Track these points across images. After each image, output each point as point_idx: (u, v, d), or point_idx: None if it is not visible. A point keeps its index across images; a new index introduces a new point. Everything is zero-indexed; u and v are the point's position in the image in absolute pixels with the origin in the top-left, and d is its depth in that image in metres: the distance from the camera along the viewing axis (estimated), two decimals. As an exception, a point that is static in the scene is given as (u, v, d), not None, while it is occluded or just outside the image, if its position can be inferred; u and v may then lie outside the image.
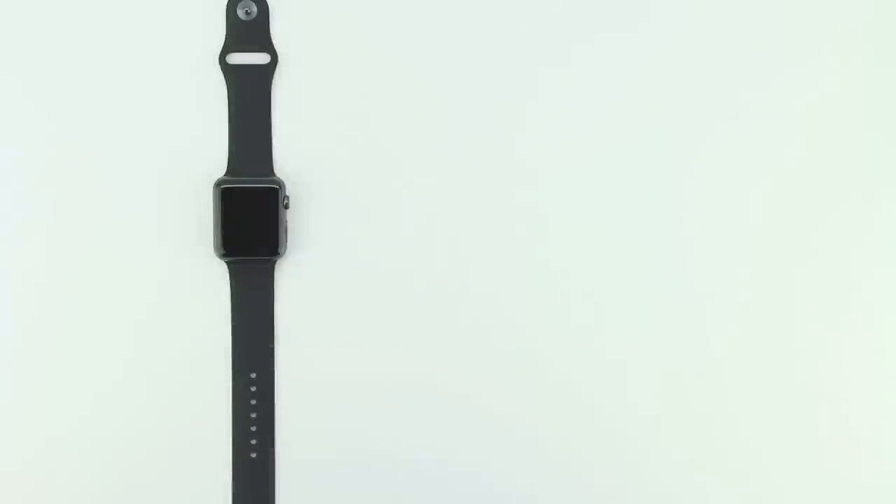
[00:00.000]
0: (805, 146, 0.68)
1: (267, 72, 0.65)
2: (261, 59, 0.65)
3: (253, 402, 0.66)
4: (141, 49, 0.65)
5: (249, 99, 0.65)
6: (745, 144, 0.68)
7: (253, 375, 0.66)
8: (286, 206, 0.64)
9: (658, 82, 0.67)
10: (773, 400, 0.68)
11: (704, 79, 0.67)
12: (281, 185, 0.64)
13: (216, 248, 0.64)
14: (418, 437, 0.67)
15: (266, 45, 0.65)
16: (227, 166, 0.65)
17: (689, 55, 0.67)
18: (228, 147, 0.65)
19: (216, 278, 0.65)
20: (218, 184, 0.64)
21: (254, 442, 0.66)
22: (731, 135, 0.68)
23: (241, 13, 0.65)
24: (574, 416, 0.67)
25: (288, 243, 0.65)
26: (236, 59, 0.65)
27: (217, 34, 0.65)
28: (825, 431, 0.68)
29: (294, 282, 0.66)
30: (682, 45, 0.67)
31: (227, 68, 0.65)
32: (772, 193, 0.68)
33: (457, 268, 0.67)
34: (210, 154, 0.65)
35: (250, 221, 0.64)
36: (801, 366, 0.68)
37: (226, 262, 0.65)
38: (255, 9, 0.65)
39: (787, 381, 0.68)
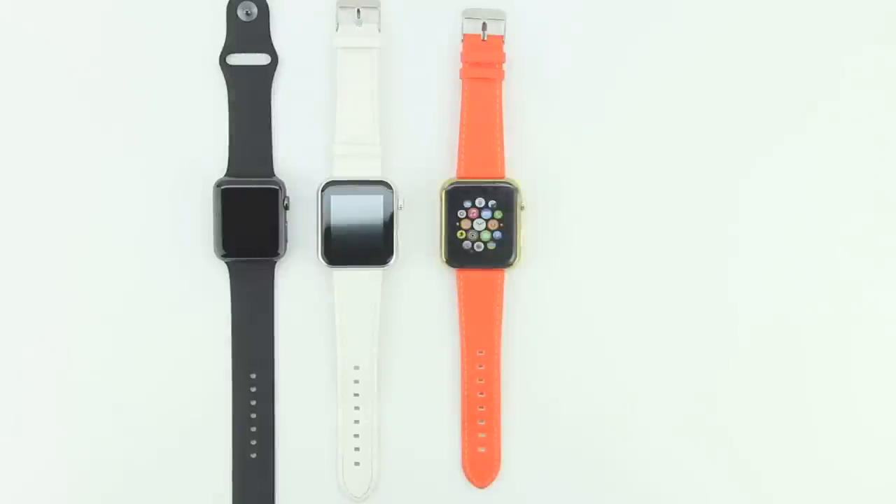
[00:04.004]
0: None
1: (267, 72, 0.65)
2: (261, 59, 0.65)
3: (253, 402, 0.66)
4: (141, 50, 0.65)
5: (249, 99, 0.65)
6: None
7: (253, 376, 0.66)
8: (286, 207, 0.64)
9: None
10: None
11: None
12: (281, 185, 0.64)
13: (216, 248, 0.64)
14: (418, 435, 0.67)
15: (266, 45, 0.65)
16: (228, 167, 0.65)
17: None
18: (228, 147, 0.65)
19: (216, 278, 0.65)
20: (218, 184, 0.64)
21: (254, 442, 0.66)
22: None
23: (241, 14, 0.65)
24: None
25: (288, 243, 0.65)
26: (236, 59, 0.65)
27: (217, 35, 0.65)
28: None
29: (294, 282, 0.66)
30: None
31: (227, 69, 0.65)
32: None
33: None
34: (210, 154, 0.65)
35: (250, 222, 0.64)
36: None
37: (226, 263, 0.65)
38: (255, 9, 0.65)
39: None
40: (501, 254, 0.65)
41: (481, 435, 0.66)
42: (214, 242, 0.64)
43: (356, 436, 0.66)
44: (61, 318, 0.65)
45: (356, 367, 0.65)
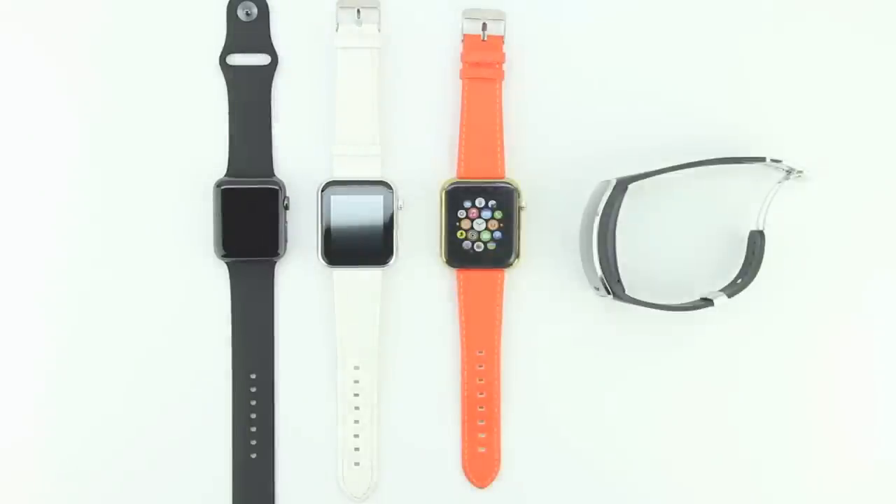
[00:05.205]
0: None
1: (267, 72, 0.65)
2: (261, 59, 0.65)
3: (253, 402, 0.66)
4: (142, 50, 0.65)
5: (249, 99, 0.65)
6: None
7: (253, 376, 0.66)
8: (286, 207, 0.64)
9: None
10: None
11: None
12: (281, 185, 0.64)
13: (216, 248, 0.64)
14: (418, 435, 0.67)
15: (266, 45, 0.65)
16: (228, 167, 0.65)
17: None
18: (228, 147, 0.65)
19: (216, 278, 0.65)
20: (218, 184, 0.64)
21: (254, 442, 0.66)
22: None
23: (241, 14, 0.65)
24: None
25: (288, 243, 0.65)
26: (236, 59, 0.65)
27: (217, 35, 0.65)
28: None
29: (294, 282, 0.66)
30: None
31: (227, 69, 0.65)
32: None
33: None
34: (210, 154, 0.65)
35: (250, 222, 0.64)
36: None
37: (226, 263, 0.65)
38: (255, 10, 0.65)
39: None
40: (501, 254, 0.65)
41: (481, 435, 0.66)
42: (214, 242, 0.64)
43: (356, 436, 0.66)
44: (61, 318, 0.65)
45: (356, 367, 0.65)
